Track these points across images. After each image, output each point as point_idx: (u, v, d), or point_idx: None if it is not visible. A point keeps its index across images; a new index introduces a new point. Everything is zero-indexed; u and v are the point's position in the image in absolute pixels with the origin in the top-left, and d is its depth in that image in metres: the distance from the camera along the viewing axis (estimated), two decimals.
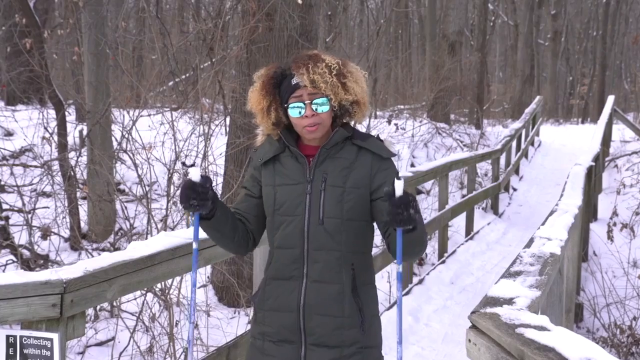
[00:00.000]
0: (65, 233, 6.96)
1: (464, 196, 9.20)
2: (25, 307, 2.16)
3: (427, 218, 7.68)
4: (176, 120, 6.04)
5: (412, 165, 11.01)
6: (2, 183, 7.66)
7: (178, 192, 5.79)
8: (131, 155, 5.93)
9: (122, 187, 8.24)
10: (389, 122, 13.93)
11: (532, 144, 16.13)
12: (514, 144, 12.62)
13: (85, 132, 8.15)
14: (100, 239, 7.40)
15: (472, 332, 1.96)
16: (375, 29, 17.58)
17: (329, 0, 13.49)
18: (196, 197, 2.02)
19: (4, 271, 5.44)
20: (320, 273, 2.14)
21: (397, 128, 13.32)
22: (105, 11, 8.33)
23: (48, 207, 7.13)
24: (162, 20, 8.56)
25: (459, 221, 8.68)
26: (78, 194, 7.15)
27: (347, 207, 2.14)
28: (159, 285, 4.48)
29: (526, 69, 24.70)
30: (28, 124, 9.03)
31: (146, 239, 4.36)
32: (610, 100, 15.11)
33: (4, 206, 6.29)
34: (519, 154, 13.14)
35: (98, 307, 5.00)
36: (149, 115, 6.61)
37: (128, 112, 6.41)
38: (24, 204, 6.17)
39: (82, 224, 7.44)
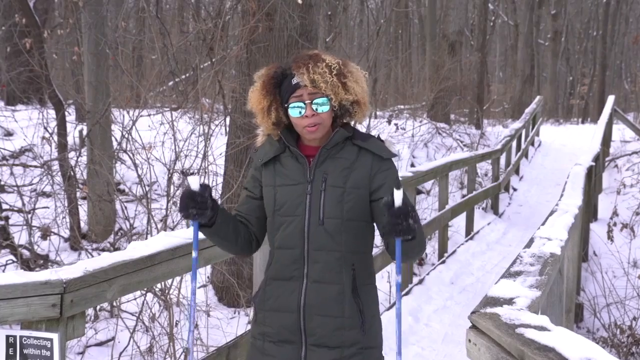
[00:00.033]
0: (65, 233, 6.96)
1: (464, 196, 9.20)
2: (25, 307, 2.16)
3: (427, 218, 7.69)
4: (176, 120, 6.04)
5: (412, 165, 11.01)
6: (2, 183, 7.66)
7: (178, 193, 5.79)
8: (131, 155, 5.92)
9: (122, 187, 8.24)
10: (389, 122, 13.93)
11: (532, 144, 16.13)
12: (514, 144, 12.62)
13: (85, 132, 8.15)
14: (100, 239, 7.40)
15: (472, 332, 1.95)
16: (375, 29, 17.58)
17: (329, 0, 13.49)
18: (195, 206, 2.03)
19: (3, 271, 5.44)
20: (321, 273, 2.14)
21: (397, 128, 13.32)
22: (105, 11, 8.33)
23: (48, 207, 7.12)
24: (162, 20, 8.56)
25: (459, 221, 8.68)
26: (78, 194, 7.15)
27: (347, 207, 2.13)
28: (158, 285, 4.48)
29: (526, 68, 24.70)
30: (28, 124, 9.03)
31: (146, 239, 4.36)
32: (611, 100, 15.11)
33: (4, 206, 6.29)
34: (519, 154, 13.14)
35: (98, 307, 5.00)
36: (149, 115, 6.60)
37: (128, 112, 6.40)
38: (23, 204, 6.17)
39: (82, 224, 7.44)
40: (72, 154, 7.51)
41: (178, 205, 2.11)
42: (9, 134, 10.10)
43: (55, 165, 7.29)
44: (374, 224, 2.23)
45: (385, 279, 6.03)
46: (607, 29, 30.52)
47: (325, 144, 2.17)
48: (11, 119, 9.40)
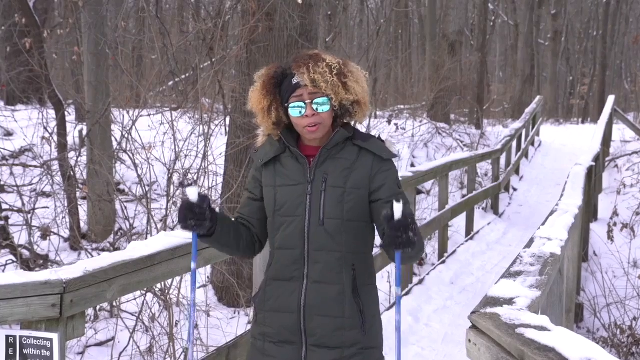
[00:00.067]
0: (65, 233, 6.96)
1: (464, 196, 9.19)
2: (25, 307, 2.15)
3: (427, 218, 7.69)
4: (176, 120, 6.03)
5: (412, 165, 11.01)
6: (2, 183, 7.66)
7: (178, 193, 5.79)
8: (131, 155, 5.92)
9: (121, 187, 8.24)
10: (389, 122, 13.93)
11: (533, 144, 16.13)
12: (514, 144, 12.62)
13: (85, 132, 8.15)
14: (100, 239, 7.40)
15: (472, 332, 1.95)
16: (375, 28, 17.59)
17: (329, 0, 13.49)
18: (193, 217, 2.03)
19: (3, 271, 5.44)
20: (321, 274, 2.13)
21: (397, 128, 13.32)
22: (105, 11, 8.33)
23: (48, 207, 7.12)
24: (162, 20, 8.56)
25: (459, 221, 8.68)
26: (78, 194, 7.15)
27: (347, 207, 2.13)
28: (158, 286, 4.48)
29: (526, 68, 24.69)
30: (28, 123, 9.03)
31: (146, 239, 4.36)
32: (611, 100, 15.11)
33: (4, 206, 6.29)
34: (519, 154, 13.13)
35: (98, 307, 4.99)
36: (149, 115, 6.60)
37: (128, 112, 6.40)
38: (23, 204, 6.16)
39: (82, 224, 7.44)
40: (72, 154, 7.51)
41: (177, 216, 2.11)
42: (8, 134, 10.10)
43: (55, 165, 7.29)
44: (374, 225, 2.22)
45: (385, 279, 6.03)
46: (607, 29, 30.52)
47: (325, 144, 2.16)
48: (11, 119, 9.40)
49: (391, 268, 5.82)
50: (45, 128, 7.70)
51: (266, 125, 2.23)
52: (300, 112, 2.12)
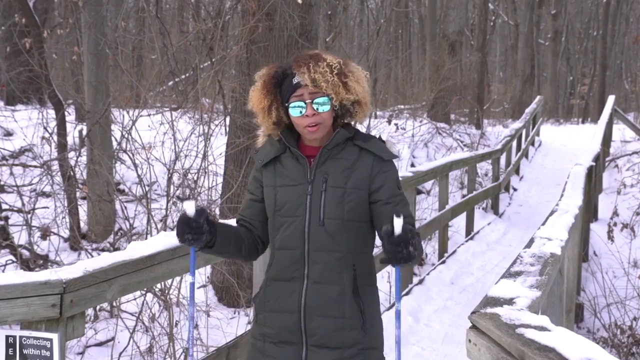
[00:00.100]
0: (65, 233, 6.96)
1: (464, 196, 9.19)
2: (25, 307, 2.15)
3: (427, 218, 7.69)
4: (176, 120, 6.03)
5: (412, 165, 11.00)
6: (2, 183, 7.66)
7: (178, 192, 5.79)
8: (131, 155, 5.92)
9: (121, 187, 8.23)
10: (389, 122, 13.93)
11: (533, 144, 16.13)
12: (514, 144, 12.62)
13: (84, 132, 8.14)
14: (100, 239, 7.40)
15: (473, 332, 1.95)
16: (375, 28, 17.59)
17: (329, 0, 13.49)
18: (190, 231, 2.03)
19: (3, 271, 5.44)
20: (321, 274, 2.13)
21: (397, 128, 13.32)
22: (104, 11, 8.33)
23: (47, 207, 7.12)
24: (162, 20, 8.56)
25: (459, 221, 8.67)
26: (78, 194, 7.15)
27: (347, 208, 2.13)
28: (158, 286, 4.48)
29: (526, 68, 24.68)
30: (28, 123, 9.03)
31: (146, 239, 4.35)
32: (611, 100, 15.11)
33: (4, 206, 6.29)
34: (519, 154, 13.13)
35: (98, 307, 4.99)
36: (149, 115, 6.60)
37: (128, 112, 6.40)
38: (23, 204, 6.16)
39: (82, 224, 7.43)
40: (71, 154, 7.51)
41: (175, 230, 2.10)
42: (8, 134, 10.10)
43: (55, 165, 7.29)
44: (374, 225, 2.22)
45: (386, 279, 6.03)
46: (608, 29, 30.51)
47: (326, 144, 2.16)
48: (11, 118, 9.40)
49: (391, 268, 5.81)
50: (45, 128, 7.70)
51: (266, 125, 2.23)
52: (301, 112, 2.12)
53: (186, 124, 7.97)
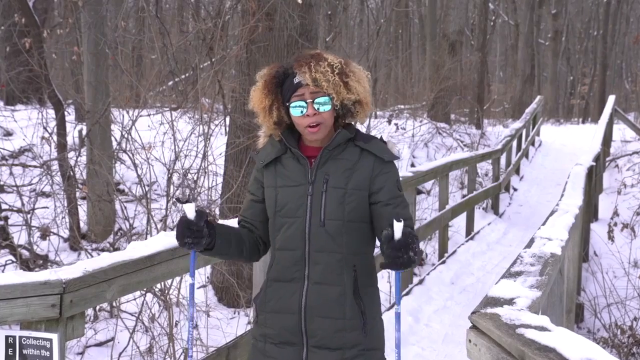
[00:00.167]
0: (65, 233, 6.96)
1: (464, 196, 9.19)
2: (25, 307, 2.15)
3: (427, 218, 7.69)
4: (176, 120, 6.03)
5: (413, 165, 11.00)
6: (2, 183, 7.65)
7: (178, 192, 5.79)
8: (131, 155, 5.92)
9: (121, 187, 8.23)
10: (389, 122, 13.93)
11: (533, 144, 16.12)
12: (514, 143, 12.61)
13: (84, 132, 8.14)
14: (100, 239, 7.39)
15: (473, 332, 1.95)
16: (375, 28, 17.59)
17: (329, 0, 13.49)
18: (190, 235, 2.03)
19: (3, 271, 5.44)
20: (322, 275, 2.13)
21: (398, 128, 13.31)
22: (104, 11, 8.33)
23: (47, 207, 7.12)
24: (162, 20, 8.56)
25: (460, 221, 8.67)
26: (77, 194, 7.14)
27: (348, 208, 2.12)
28: (158, 286, 4.48)
29: (527, 68, 24.68)
30: (27, 123, 9.03)
31: (146, 239, 4.35)
32: (611, 100, 15.11)
33: (3, 206, 6.29)
34: (519, 154, 13.13)
35: (97, 308, 4.99)
36: (149, 115, 6.60)
37: (127, 112, 6.40)
38: (23, 204, 6.16)
39: (82, 224, 7.43)
40: (71, 154, 7.51)
41: (175, 232, 2.10)
42: (8, 133, 10.10)
43: (55, 165, 7.28)
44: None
45: (386, 279, 6.02)
46: (608, 29, 30.51)
47: (327, 145, 2.16)
48: (10, 118, 9.40)
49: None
50: (44, 128, 7.70)
51: (267, 125, 2.22)
52: (302, 112, 2.11)
53: (186, 124, 7.97)
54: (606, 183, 11.43)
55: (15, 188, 6.49)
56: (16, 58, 10.63)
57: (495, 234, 8.98)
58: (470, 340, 1.97)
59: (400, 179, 2.27)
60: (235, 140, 5.76)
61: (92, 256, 5.60)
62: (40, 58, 7.43)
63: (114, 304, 4.86)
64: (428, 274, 6.70)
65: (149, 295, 4.67)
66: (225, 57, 6.34)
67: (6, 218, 6.04)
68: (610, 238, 7.48)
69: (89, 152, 7.56)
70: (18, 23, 8.90)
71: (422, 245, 7.26)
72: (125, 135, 6.15)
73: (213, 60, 6.54)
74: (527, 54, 24.84)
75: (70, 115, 9.82)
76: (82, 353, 4.64)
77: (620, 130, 15.55)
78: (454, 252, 7.69)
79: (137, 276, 2.56)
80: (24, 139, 8.81)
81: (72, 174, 6.83)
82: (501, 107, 24.84)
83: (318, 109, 2.11)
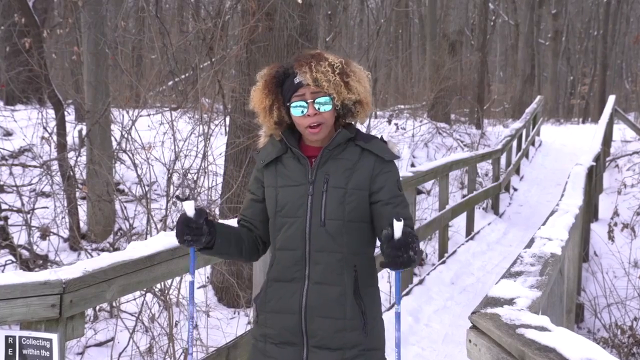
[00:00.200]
0: (65, 233, 6.95)
1: (464, 196, 9.19)
2: (25, 307, 2.15)
3: (427, 218, 7.68)
4: (176, 120, 6.03)
5: (413, 165, 11.00)
6: (1, 183, 7.65)
7: (177, 192, 5.79)
8: (130, 155, 5.92)
9: (121, 187, 8.23)
10: (389, 122, 13.93)
11: (533, 144, 16.12)
12: (514, 143, 12.61)
13: (84, 132, 8.14)
14: (100, 239, 7.39)
15: (473, 332, 1.95)
16: (375, 28, 17.59)
17: (329, 0, 13.49)
18: (190, 232, 2.03)
19: (3, 271, 5.43)
20: (322, 275, 2.13)
21: (398, 128, 13.31)
22: (104, 11, 8.32)
23: (47, 207, 7.12)
24: (162, 20, 8.56)
25: (460, 221, 8.67)
26: (77, 194, 7.14)
27: (349, 208, 2.12)
28: (158, 286, 4.48)
29: (527, 68, 24.68)
30: (27, 123, 9.03)
31: (146, 239, 4.35)
32: (611, 100, 15.11)
33: (3, 206, 6.29)
34: (519, 153, 13.13)
35: (97, 308, 4.99)
36: (149, 115, 6.60)
37: (127, 112, 6.39)
38: (23, 204, 6.16)
39: (82, 224, 7.43)
40: (71, 154, 7.51)
41: (174, 230, 2.10)
42: (8, 133, 10.09)
43: (55, 165, 7.28)
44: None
45: (386, 279, 6.02)
46: (608, 29, 30.51)
47: (327, 145, 2.15)
48: (10, 118, 9.40)
49: None
50: (44, 128, 7.70)
51: (268, 125, 2.22)
52: (302, 112, 2.11)
53: (186, 124, 7.97)
54: (606, 183, 11.43)
55: (15, 188, 6.49)
56: (16, 58, 10.63)
57: (495, 234, 8.98)
58: (470, 341, 1.97)
59: (401, 179, 2.26)
60: (235, 140, 5.75)
61: (92, 256, 5.60)
62: (40, 58, 7.43)
63: (114, 304, 4.86)
64: (428, 274, 6.70)
65: (149, 295, 4.67)
66: (225, 57, 6.34)
67: (6, 218, 6.04)
68: (611, 238, 7.48)
69: (89, 152, 7.56)
70: (18, 23, 8.90)
71: (422, 245, 7.26)
72: (125, 135, 6.15)
73: (213, 60, 6.54)
74: (527, 54, 24.84)
75: (70, 115, 9.83)
76: (82, 353, 4.64)
77: (621, 130, 15.55)
78: (454, 252, 7.69)
79: (137, 276, 2.56)
80: (23, 139, 8.81)
81: (72, 174, 6.83)
82: (501, 107, 24.84)
83: (319, 109, 2.11)
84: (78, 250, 6.72)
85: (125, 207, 6.10)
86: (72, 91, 9.58)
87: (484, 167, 11.87)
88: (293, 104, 2.12)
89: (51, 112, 8.00)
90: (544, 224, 3.56)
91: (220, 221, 2.33)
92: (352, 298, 2.13)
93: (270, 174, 2.21)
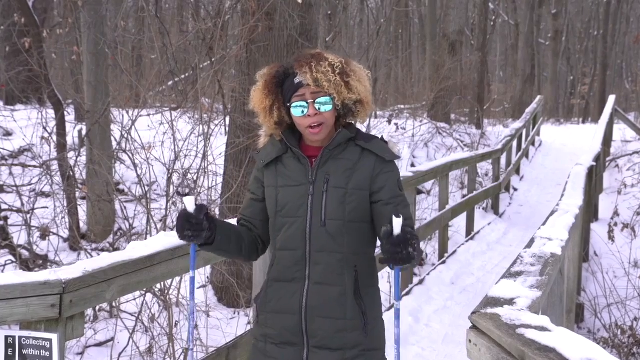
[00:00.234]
0: (65, 233, 6.95)
1: (464, 196, 9.19)
2: (24, 307, 2.15)
3: (427, 218, 7.68)
4: (175, 120, 6.03)
5: (413, 165, 11.00)
6: (1, 183, 7.65)
7: (176, 195, 5.78)
8: (130, 155, 5.91)
9: (121, 187, 8.23)
10: (389, 121, 13.93)
11: (533, 144, 16.12)
12: (514, 143, 12.61)
13: (84, 132, 8.14)
14: (100, 239, 7.39)
15: (473, 332, 1.95)
16: (375, 28, 17.60)
17: (329, 0, 13.49)
18: (190, 228, 2.02)
19: (2, 271, 5.43)
20: (322, 275, 2.12)
21: (398, 128, 13.31)
22: (104, 10, 8.32)
23: (47, 207, 7.12)
24: (162, 20, 8.56)
25: (460, 221, 8.67)
26: (77, 194, 7.14)
27: (349, 208, 2.12)
28: (158, 286, 4.47)
29: (527, 68, 24.68)
30: (27, 123, 9.03)
31: (145, 239, 4.35)
32: (611, 100, 15.10)
33: (3, 206, 6.28)
34: (519, 153, 13.12)
35: (97, 308, 4.99)
36: (149, 115, 6.59)
37: (127, 112, 6.39)
38: (22, 204, 6.16)
39: (81, 224, 7.43)
40: (71, 154, 7.51)
41: (175, 227, 2.09)
42: (8, 133, 10.09)
43: (55, 165, 7.28)
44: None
45: (386, 279, 6.02)
46: (608, 29, 30.51)
47: (327, 145, 2.15)
48: (10, 118, 9.39)
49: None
50: (44, 128, 7.70)
51: (268, 125, 2.22)
52: (303, 112, 2.11)
53: (186, 124, 7.97)
54: (606, 183, 11.43)
55: (15, 188, 6.49)
56: (16, 58, 10.63)
57: (495, 234, 8.98)
58: (470, 341, 1.96)
59: (401, 179, 2.26)
60: (235, 140, 5.75)
61: (91, 256, 5.60)
62: (40, 58, 7.43)
63: (114, 304, 4.86)
64: (428, 274, 6.70)
65: (149, 296, 4.67)
66: (225, 57, 6.34)
67: (6, 218, 6.04)
68: (611, 238, 7.48)
69: (89, 152, 7.56)
70: (18, 23, 8.91)
71: (422, 245, 7.25)
72: (125, 135, 6.15)
73: (213, 60, 6.54)
74: (527, 53, 24.84)
75: (70, 115, 9.83)
76: (81, 353, 4.64)
77: (621, 130, 15.55)
78: (454, 252, 7.69)
79: (136, 276, 2.56)
80: (23, 139, 8.81)
81: (71, 174, 6.83)
82: (501, 107, 24.84)
83: (319, 109, 2.11)
84: (78, 250, 6.72)
85: (125, 207, 6.10)
86: (72, 91, 9.58)
87: (484, 167, 11.87)
88: (293, 104, 2.12)
89: (51, 112, 8.00)
90: (544, 224, 3.56)
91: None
92: (353, 298, 2.12)
93: (270, 174, 2.21)
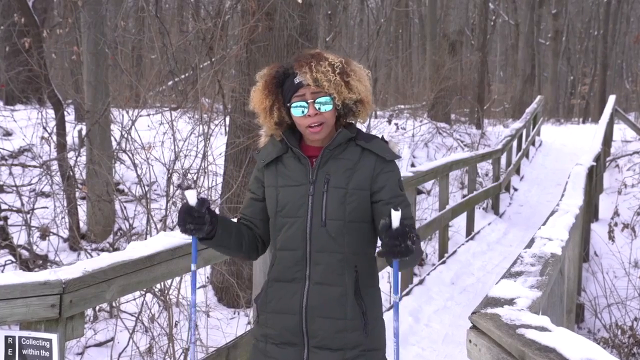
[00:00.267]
0: (64, 233, 6.95)
1: (464, 196, 9.19)
2: (24, 307, 2.15)
3: (427, 218, 7.68)
4: (175, 120, 6.02)
5: (413, 165, 11.00)
6: (1, 183, 7.65)
7: (177, 193, 5.78)
8: (130, 155, 5.91)
9: (121, 187, 8.23)
10: (389, 121, 13.93)
11: (533, 144, 16.12)
12: (514, 143, 12.61)
13: (84, 132, 8.14)
14: (99, 239, 7.39)
15: (473, 332, 1.94)
16: (375, 28, 17.60)
17: (329, 0, 13.49)
18: (192, 221, 2.03)
19: (2, 271, 5.43)
20: (323, 275, 2.12)
21: (398, 128, 13.31)
22: (104, 10, 8.32)
23: (47, 207, 7.12)
24: (162, 20, 8.56)
25: (460, 221, 8.67)
26: (77, 194, 7.14)
27: (349, 208, 2.12)
28: (158, 286, 4.47)
29: (527, 68, 24.68)
30: (27, 123, 9.03)
31: (145, 239, 4.35)
32: (612, 100, 15.10)
33: (3, 206, 6.28)
34: (519, 153, 13.12)
35: (97, 308, 4.99)
36: (148, 115, 6.59)
37: (127, 112, 6.39)
38: (22, 204, 6.16)
39: (81, 224, 7.43)
40: (71, 154, 7.51)
41: (177, 220, 2.10)
42: (8, 133, 10.09)
43: (55, 165, 7.28)
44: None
45: (386, 279, 6.02)
46: (608, 29, 30.52)
47: (328, 145, 2.15)
48: (10, 118, 9.40)
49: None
50: (44, 128, 7.70)
51: (268, 125, 2.21)
52: (303, 112, 2.11)
53: (186, 124, 7.97)
54: (606, 183, 11.43)
55: (14, 188, 6.49)
56: (16, 58, 10.63)
57: (495, 234, 8.98)
58: (470, 341, 1.96)
59: (402, 179, 2.26)
60: (235, 140, 5.75)
61: (91, 256, 5.60)
62: (40, 58, 7.43)
63: (114, 304, 4.86)
64: (428, 274, 6.70)
65: (149, 296, 4.66)
66: (225, 57, 6.34)
67: (6, 218, 6.04)
68: (611, 238, 7.47)
69: (89, 152, 7.56)
70: (18, 23, 8.91)
71: (422, 245, 7.25)
72: (125, 135, 6.15)
73: (213, 60, 6.54)
74: (527, 53, 24.84)
75: (69, 115, 9.83)
76: (81, 353, 4.64)
77: (621, 130, 15.55)
78: (454, 252, 7.69)
79: (136, 276, 2.56)
80: (23, 139, 8.81)
81: (71, 174, 6.82)
82: (501, 107, 24.84)
83: (319, 109, 2.11)
84: (78, 250, 6.72)
85: (125, 207, 6.10)
86: (72, 91, 9.57)
87: (484, 167, 11.87)
88: (293, 105, 2.12)
89: (51, 112, 8.00)
90: (544, 224, 3.56)
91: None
92: (353, 298, 2.12)
93: (270, 174, 2.21)
